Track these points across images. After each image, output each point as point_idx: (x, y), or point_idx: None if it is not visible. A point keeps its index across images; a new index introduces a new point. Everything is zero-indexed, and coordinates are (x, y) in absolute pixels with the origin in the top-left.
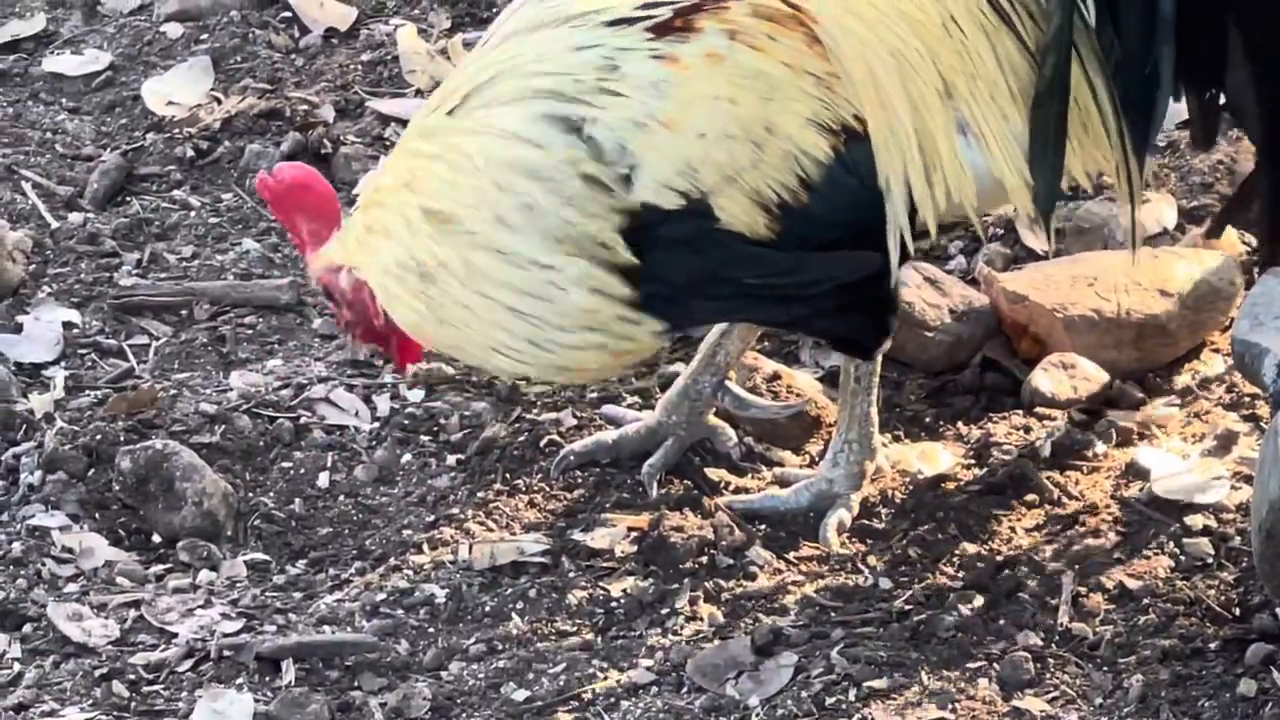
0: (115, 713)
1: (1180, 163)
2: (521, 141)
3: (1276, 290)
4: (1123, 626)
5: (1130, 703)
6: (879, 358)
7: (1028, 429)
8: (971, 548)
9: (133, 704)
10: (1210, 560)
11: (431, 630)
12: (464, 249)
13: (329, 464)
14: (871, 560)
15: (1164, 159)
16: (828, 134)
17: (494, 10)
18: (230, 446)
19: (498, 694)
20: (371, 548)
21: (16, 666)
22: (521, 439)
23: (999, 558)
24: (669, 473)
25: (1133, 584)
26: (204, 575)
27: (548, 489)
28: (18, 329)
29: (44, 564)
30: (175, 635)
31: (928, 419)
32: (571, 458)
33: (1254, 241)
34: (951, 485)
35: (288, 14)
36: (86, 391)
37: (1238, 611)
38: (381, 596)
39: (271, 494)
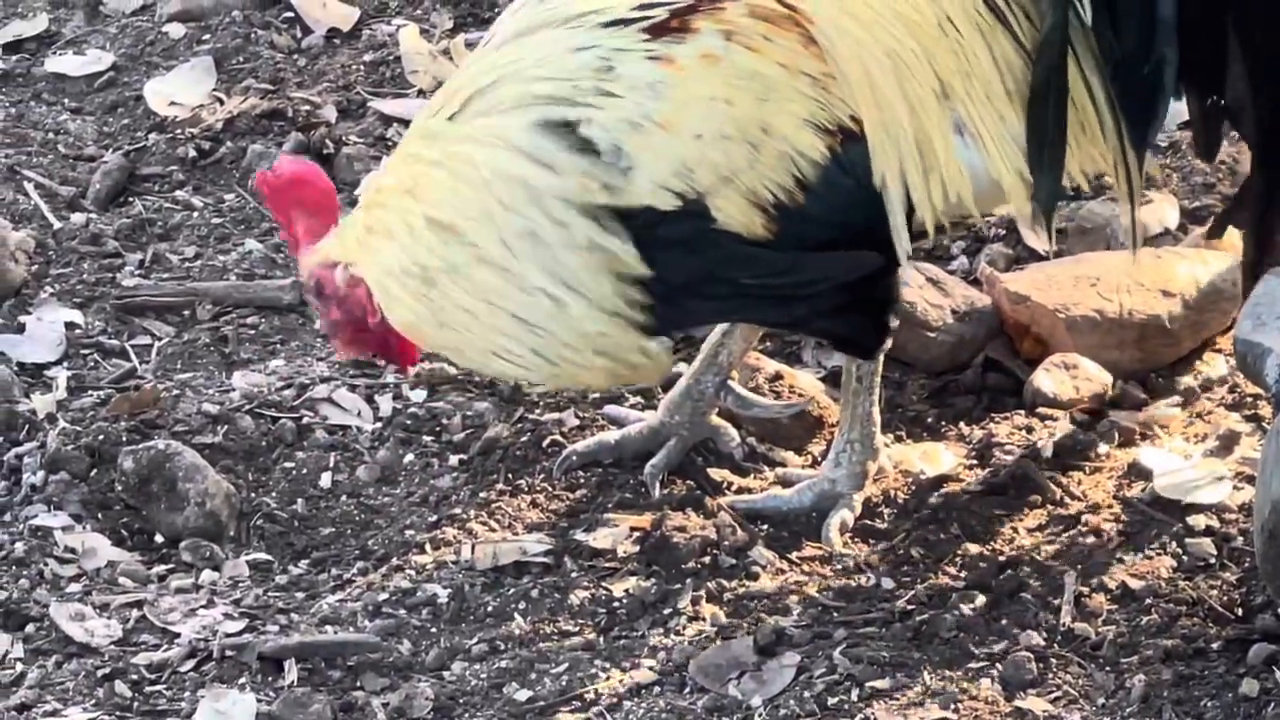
0: (118, 713)
1: (1182, 163)
2: (528, 159)
3: (1279, 290)
4: (1125, 626)
5: (1132, 703)
6: (881, 357)
7: (1030, 429)
8: (974, 548)
9: (135, 704)
10: (1213, 560)
11: (434, 630)
12: (468, 261)
13: (331, 464)
14: (874, 560)
15: (1166, 159)
16: (824, 134)
17: (496, 10)
18: (233, 447)
19: (500, 694)
20: (374, 548)
21: (19, 666)
22: (524, 439)
23: (1001, 558)
24: (671, 473)
25: (1135, 584)
26: (206, 575)
27: (550, 489)
28: (20, 329)
29: (46, 564)
30: (178, 635)
31: (930, 419)
32: (574, 458)
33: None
34: (954, 485)
35: (290, 14)
36: (89, 392)
37: (1240, 612)
38: (384, 596)
39: (274, 494)
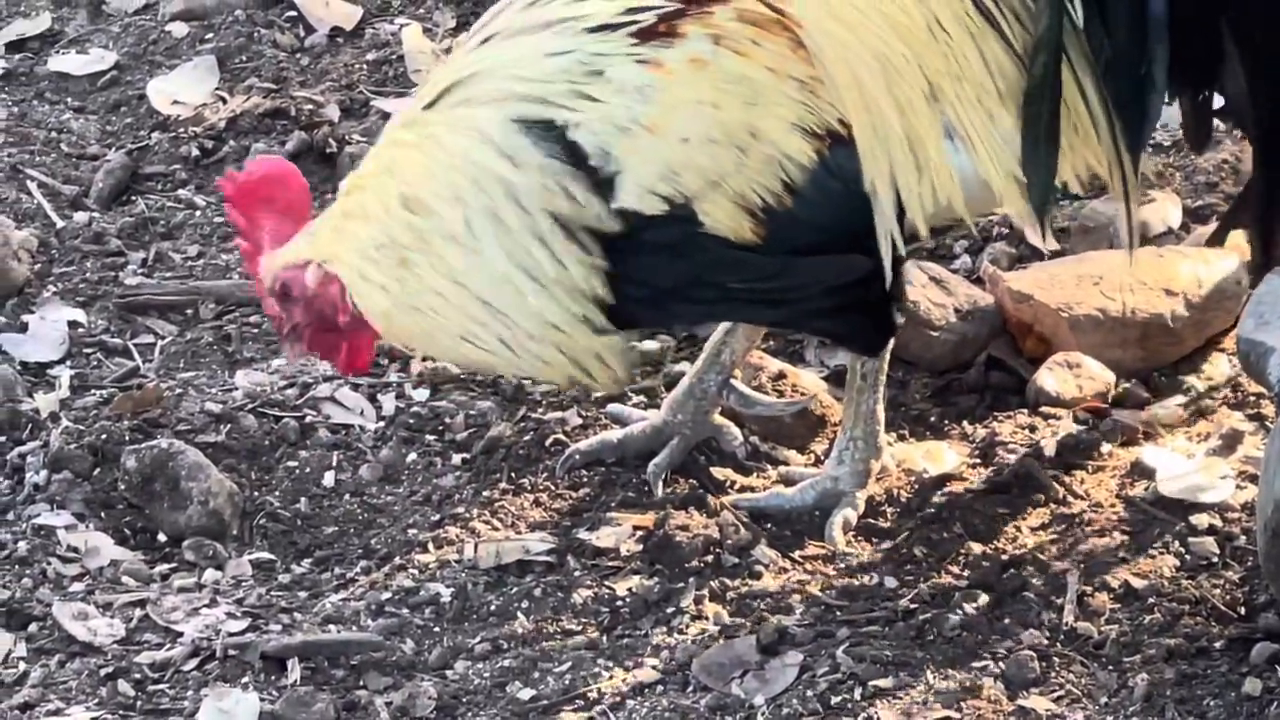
0: (120, 712)
1: (1185, 162)
2: (496, 151)
3: None
4: (1128, 625)
5: (1135, 702)
6: (886, 355)
7: (1033, 428)
8: (977, 547)
9: (138, 703)
10: (1215, 559)
11: (437, 629)
12: (439, 238)
13: (334, 463)
14: (877, 559)
15: (1169, 158)
16: (812, 138)
17: None
18: (235, 446)
19: (503, 693)
20: (377, 547)
21: (22, 665)
22: (527, 438)
23: (1004, 557)
24: (674, 472)
25: (1138, 583)
26: (209, 574)
27: (553, 488)
28: (23, 328)
29: (49, 563)
30: (180, 634)
31: (933, 418)
32: (577, 457)
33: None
34: (957, 484)
35: (293, 13)
36: (92, 391)
37: (1243, 610)
38: (387, 595)
39: (277, 493)
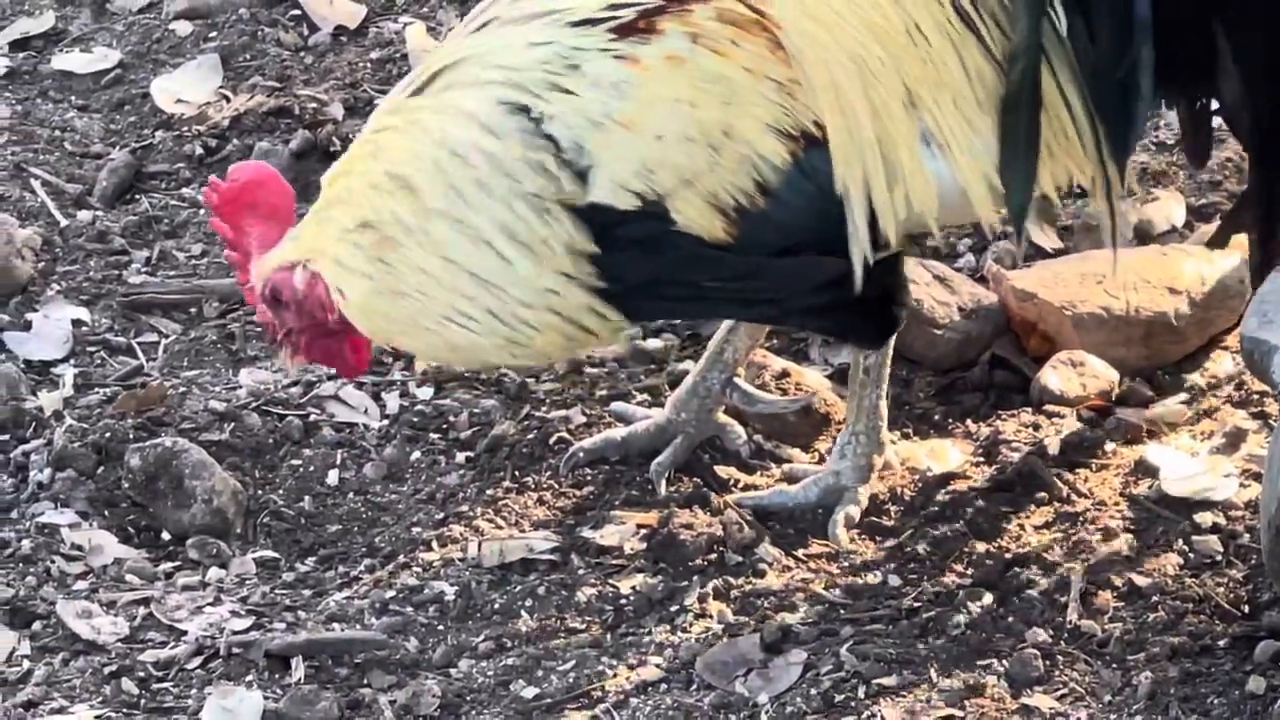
0: (124, 710)
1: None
2: (479, 126)
3: None
4: (1132, 624)
5: (1139, 700)
6: (889, 351)
7: (1037, 427)
8: (980, 545)
9: (142, 701)
10: (1219, 558)
11: (441, 628)
12: (422, 216)
13: (338, 461)
14: (881, 557)
15: (1172, 156)
16: (787, 140)
17: None
18: (239, 444)
19: (507, 691)
20: (381, 545)
21: (26, 664)
22: (530, 436)
23: (1008, 555)
24: (678, 470)
25: (1142, 581)
26: (213, 573)
27: (557, 486)
28: (27, 327)
29: (53, 561)
30: (184, 633)
31: (937, 416)
32: (581, 455)
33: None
34: (960, 483)
35: (297, 12)
36: (96, 389)
37: (1247, 609)
38: (391, 594)
39: (281, 491)
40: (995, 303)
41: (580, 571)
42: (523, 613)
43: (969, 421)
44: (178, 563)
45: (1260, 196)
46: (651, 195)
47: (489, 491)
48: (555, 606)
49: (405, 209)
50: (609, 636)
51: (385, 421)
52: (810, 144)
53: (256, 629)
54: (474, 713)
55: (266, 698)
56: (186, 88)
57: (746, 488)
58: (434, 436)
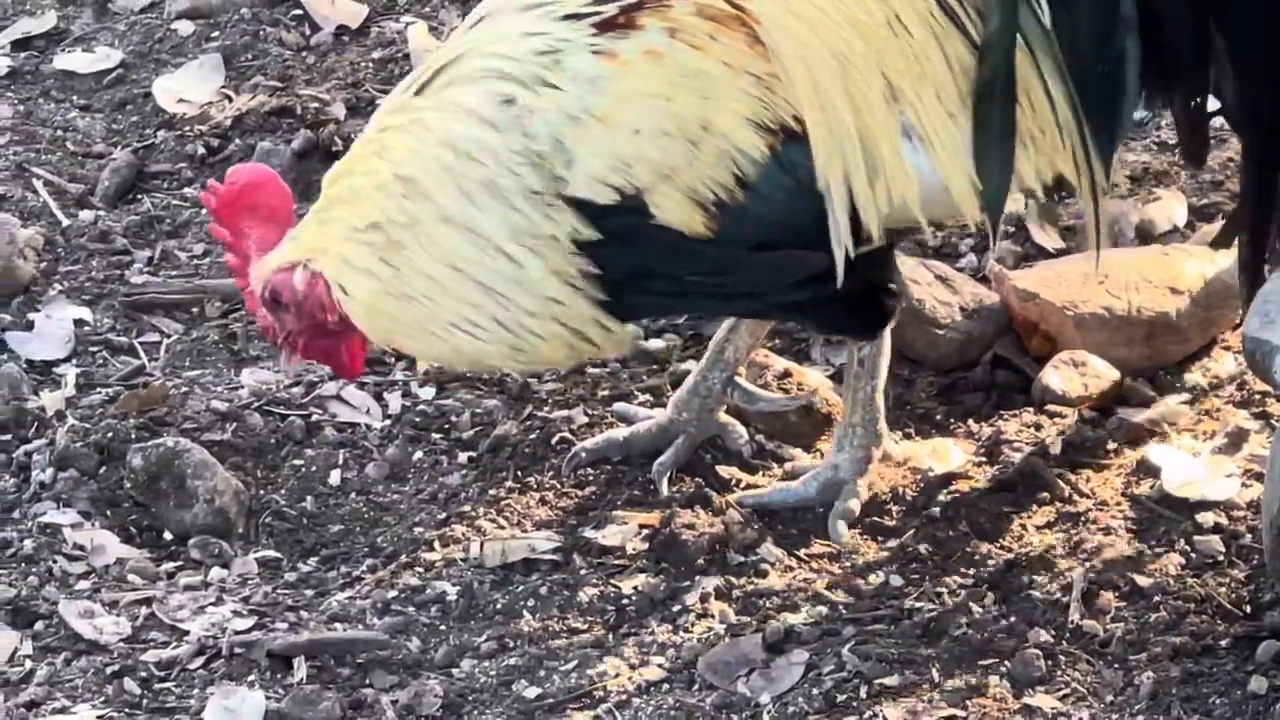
0: (126, 710)
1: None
2: (480, 121)
3: None
4: (1134, 624)
5: (1141, 700)
6: (884, 342)
7: (1039, 426)
8: (982, 545)
9: (144, 701)
10: (1221, 557)
11: (443, 628)
12: (430, 217)
13: (340, 461)
14: (883, 558)
15: (1174, 155)
16: (765, 134)
17: None
18: (241, 444)
19: (509, 691)
20: (383, 545)
21: (28, 664)
22: (533, 436)
23: (1010, 555)
24: (680, 470)
25: (1144, 581)
26: (215, 573)
27: (559, 486)
28: (29, 326)
29: (55, 561)
30: (187, 633)
31: (939, 416)
32: (583, 455)
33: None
34: (962, 483)
35: (298, 11)
36: (98, 389)
37: (1249, 609)
38: (393, 594)
39: (283, 491)
40: (997, 303)
41: (582, 571)
42: (525, 613)
43: (971, 421)
44: (180, 563)
45: (1254, 196)
46: (630, 190)
47: (491, 491)
48: (557, 606)
49: (413, 213)
50: (611, 636)
51: (387, 421)
52: (789, 138)
53: (259, 629)
54: (476, 713)
55: (269, 698)
56: (188, 87)
57: (748, 487)
58: (436, 436)
